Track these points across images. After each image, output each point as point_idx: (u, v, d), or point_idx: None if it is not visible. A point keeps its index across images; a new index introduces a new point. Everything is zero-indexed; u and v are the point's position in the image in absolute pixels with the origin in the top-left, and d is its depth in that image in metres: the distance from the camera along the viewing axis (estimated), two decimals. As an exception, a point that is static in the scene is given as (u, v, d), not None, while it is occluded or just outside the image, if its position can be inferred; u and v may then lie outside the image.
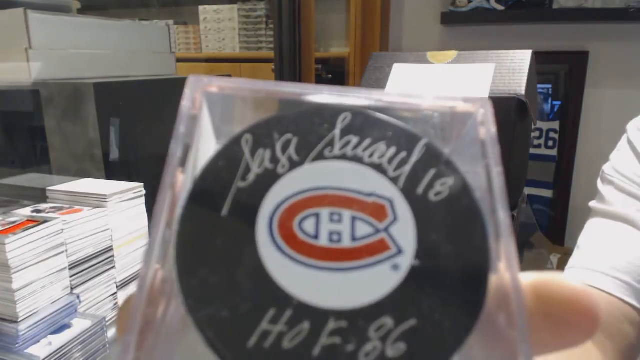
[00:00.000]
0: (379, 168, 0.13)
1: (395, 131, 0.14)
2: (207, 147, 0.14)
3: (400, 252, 0.12)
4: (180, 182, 0.13)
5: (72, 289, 0.54)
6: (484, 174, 0.13)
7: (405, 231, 0.13)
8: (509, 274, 0.12)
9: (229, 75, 1.18)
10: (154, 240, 0.12)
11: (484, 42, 1.89)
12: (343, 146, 0.13)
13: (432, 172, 0.13)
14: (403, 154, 0.13)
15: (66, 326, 0.52)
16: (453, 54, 0.72)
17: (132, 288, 0.63)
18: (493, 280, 0.12)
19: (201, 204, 0.13)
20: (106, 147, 0.78)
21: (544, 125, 1.89)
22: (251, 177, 0.13)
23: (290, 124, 0.13)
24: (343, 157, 0.13)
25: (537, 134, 1.90)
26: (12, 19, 0.79)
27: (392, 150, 0.13)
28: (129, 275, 0.62)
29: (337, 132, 0.13)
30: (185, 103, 0.14)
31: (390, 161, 0.13)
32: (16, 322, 0.47)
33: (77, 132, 0.78)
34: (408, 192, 0.13)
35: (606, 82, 1.79)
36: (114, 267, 0.59)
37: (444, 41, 1.95)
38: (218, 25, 2.34)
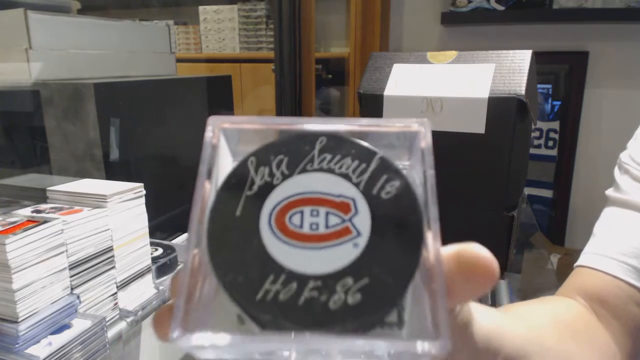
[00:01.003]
0: (345, 176, 0.19)
1: (358, 149, 0.19)
2: (225, 164, 0.20)
3: (359, 234, 0.18)
4: (207, 190, 0.18)
5: (72, 289, 0.54)
6: (422, 175, 0.19)
7: (363, 220, 0.18)
8: (433, 248, 0.17)
9: (229, 76, 1.18)
10: (191, 233, 0.18)
11: (484, 42, 1.89)
12: (320, 162, 0.19)
13: (384, 177, 0.18)
14: (363, 165, 0.19)
15: (66, 326, 0.52)
16: (453, 54, 0.72)
17: (133, 287, 0.63)
18: (424, 253, 0.17)
19: (222, 208, 0.18)
20: (106, 147, 0.78)
21: (544, 125, 1.89)
22: (255, 187, 0.19)
23: (282, 147, 0.19)
24: (320, 169, 0.19)
25: (537, 134, 1.90)
26: (12, 19, 0.79)
27: (355, 162, 0.19)
28: (129, 275, 0.62)
29: (315, 151, 0.19)
30: (207, 134, 0.19)
31: (354, 171, 0.19)
32: (16, 322, 0.47)
33: (77, 132, 0.78)
34: (366, 192, 0.18)
35: (606, 82, 1.79)
36: (114, 267, 0.59)
37: (444, 41, 1.95)
38: (218, 26, 2.35)
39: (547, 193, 1.95)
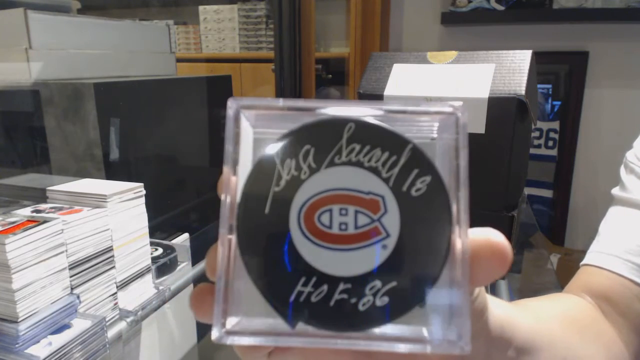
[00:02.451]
0: (375, 171, 0.18)
1: (388, 138, 0.18)
2: (248, 145, 0.19)
3: (388, 235, 0.18)
4: (233, 182, 0.18)
5: (72, 289, 0.54)
6: (455, 164, 0.18)
7: (392, 220, 0.18)
8: (461, 246, 0.17)
9: (229, 76, 1.18)
10: (223, 219, 0.18)
11: (484, 42, 1.89)
12: (348, 153, 0.18)
13: (414, 172, 0.18)
14: (394, 158, 0.18)
15: (66, 326, 0.52)
16: (453, 54, 0.72)
17: (133, 287, 0.63)
18: (450, 253, 0.17)
19: (251, 207, 0.18)
20: (106, 147, 0.78)
21: (544, 125, 1.89)
22: (282, 182, 0.18)
23: (308, 136, 0.18)
24: (348, 162, 0.18)
25: (537, 134, 1.90)
26: (12, 19, 0.79)
27: (386, 154, 0.18)
28: (129, 275, 0.62)
29: (343, 141, 0.18)
30: (229, 116, 0.19)
31: (383, 164, 0.18)
32: (16, 322, 0.47)
33: (77, 132, 0.78)
34: (396, 189, 0.18)
35: (606, 82, 1.79)
36: (114, 267, 0.59)
37: (444, 41, 1.95)
38: (218, 25, 2.34)
39: (547, 193, 1.95)
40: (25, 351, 0.47)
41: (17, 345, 0.47)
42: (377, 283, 0.17)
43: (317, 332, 0.17)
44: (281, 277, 0.17)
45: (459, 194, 0.18)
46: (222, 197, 0.18)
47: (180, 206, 0.96)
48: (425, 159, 0.18)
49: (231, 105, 0.19)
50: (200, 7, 2.36)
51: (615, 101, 1.78)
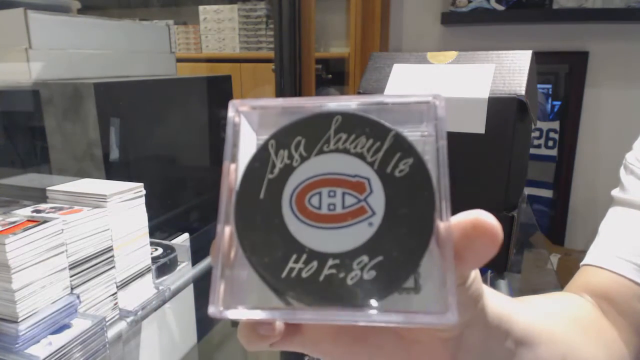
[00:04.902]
0: (360, 156, 0.19)
1: (372, 126, 0.19)
2: (247, 144, 0.21)
3: (373, 214, 0.19)
4: (233, 170, 0.20)
5: (72, 289, 0.54)
6: (434, 147, 0.19)
7: (378, 200, 0.19)
8: (444, 222, 0.18)
9: (229, 76, 1.18)
10: (221, 210, 0.19)
11: (484, 42, 1.89)
12: (336, 142, 0.19)
13: (397, 155, 0.19)
14: (378, 144, 0.19)
15: (66, 326, 0.52)
16: (453, 54, 0.72)
17: (133, 287, 0.63)
18: (436, 225, 0.18)
19: (247, 192, 0.19)
20: (106, 147, 0.78)
21: (544, 125, 1.89)
22: (276, 170, 0.20)
23: (299, 129, 0.20)
24: (336, 150, 0.19)
25: (537, 134, 1.90)
26: (12, 19, 0.79)
27: (370, 141, 0.19)
28: (129, 275, 0.62)
29: (331, 131, 0.19)
30: (229, 118, 0.20)
31: (368, 150, 0.19)
32: (16, 322, 0.47)
33: (77, 132, 0.78)
34: (380, 171, 0.19)
35: (606, 82, 1.79)
36: (114, 267, 0.59)
37: (444, 41, 1.95)
38: (218, 25, 2.34)
39: (547, 193, 1.95)
40: (25, 351, 0.47)
41: (17, 345, 0.47)
42: (365, 258, 0.18)
43: (309, 307, 0.18)
44: (274, 255, 0.19)
45: (439, 172, 0.19)
46: (222, 186, 0.20)
47: (180, 206, 0.96)
48: (407, 143, 0.19)
49: (231, 107, 0.21)
50: (200, 7, 2.36)
51: (615, 101, 1.78)
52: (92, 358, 0.53)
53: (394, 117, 0.20)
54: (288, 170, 0.19)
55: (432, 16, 1.91)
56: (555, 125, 1.88)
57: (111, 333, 0.57)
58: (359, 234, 0.19)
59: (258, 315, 0.19)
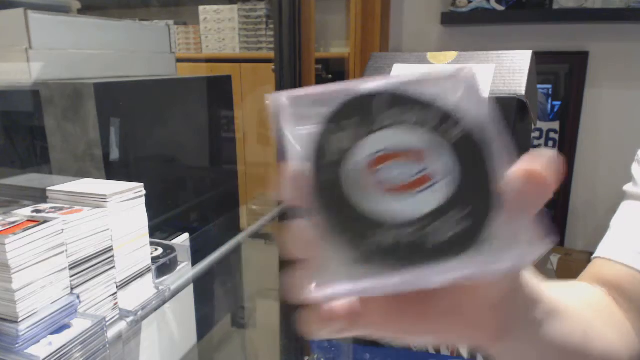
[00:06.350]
0: (412, 128, 0.20)
1: (419, 101, 0.21)
2: (295, 134, 0.22)
3: (438, 180, 0.20)
4: (296, 162, 0.21)
5: (72, 289, 0.54)
6: (485, 111, 0.21)
7: (439, 165, 0.20)
8: (506, 173, 0.20)
9: (229, 76, 1.18)
10: (294, 200, 0.21)
11: (484, 42, 1.89)
12: (384, 119, 0.21)
13: (448, 123, 0.20)
14: (426, 115, 0.20)
15: (66, 326, 0.52)
16: (453, 54, 0.72)
17: (133, 287, 0.63)
18: (499, 180, 0.20)
19: (319, 179, 0.21)
20: (106, 147, 0.78)
21: (544, 125, 1.89)
22: (338, 153, 0.21)
23: (346, 112, 0.21)
24: (387, 126, 0.21)
25: (537, 134, 1.89)
26: (12, 19, 0.79)
27: (419, 113, 0.20)
28: (129, 275, 0.62)
29: (378, 111, 0.21)
30: (271, 111, 0.21)
31: (418, 122, 0.20)
32: (16, 322, 0.47)
33: (77, 132, 0.78)
34: (435, 140, 0.20)
35: (606, 82, 1.79)
36: (114, 267, 0.59)
37: (444, 41, 1.95)
38: (218, 26, 2.34)
39: (547, 193, 1.95)
40: (25, 351, 0.47)
41: (17, 345, 0.47)
42: (440, 220, 0.20)
43: (397, 273, 0.20)
44: (355, 233, 0.20)
45: (492, 134, 0.20)
46: (287, 183, 0.21)
47: (180, 206, 0.96)
48: (452, 112, 0.21)
49: (271, 100, 0.22)
50: (200, 7, 2.36)
51: (615, 101, 1.78)
52: (92, 358, 0.53)
53: (434, 90, 0.21)
54: (350, 151, 0.21)
55: (432, 16, 1.91)
56: (555, 125, 1.88)
57: (111, 333, 0.57)
58: (428, 199, 0.20)
59: (351, 289, 0.20)
